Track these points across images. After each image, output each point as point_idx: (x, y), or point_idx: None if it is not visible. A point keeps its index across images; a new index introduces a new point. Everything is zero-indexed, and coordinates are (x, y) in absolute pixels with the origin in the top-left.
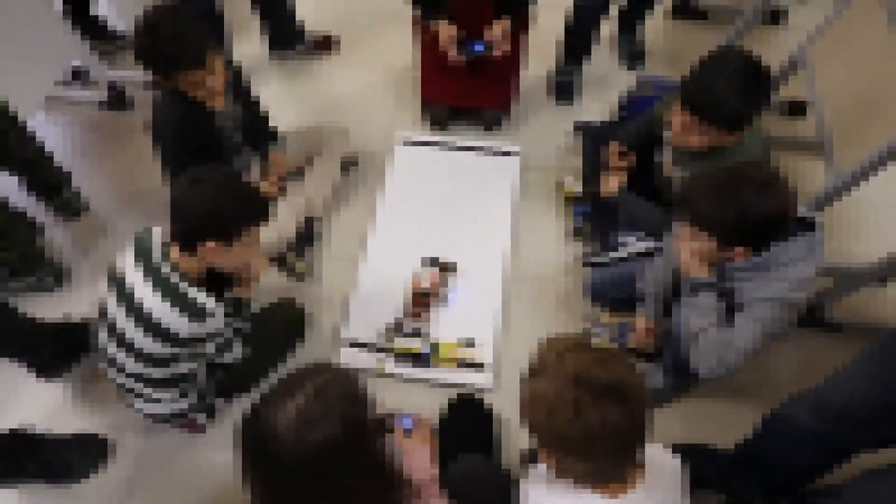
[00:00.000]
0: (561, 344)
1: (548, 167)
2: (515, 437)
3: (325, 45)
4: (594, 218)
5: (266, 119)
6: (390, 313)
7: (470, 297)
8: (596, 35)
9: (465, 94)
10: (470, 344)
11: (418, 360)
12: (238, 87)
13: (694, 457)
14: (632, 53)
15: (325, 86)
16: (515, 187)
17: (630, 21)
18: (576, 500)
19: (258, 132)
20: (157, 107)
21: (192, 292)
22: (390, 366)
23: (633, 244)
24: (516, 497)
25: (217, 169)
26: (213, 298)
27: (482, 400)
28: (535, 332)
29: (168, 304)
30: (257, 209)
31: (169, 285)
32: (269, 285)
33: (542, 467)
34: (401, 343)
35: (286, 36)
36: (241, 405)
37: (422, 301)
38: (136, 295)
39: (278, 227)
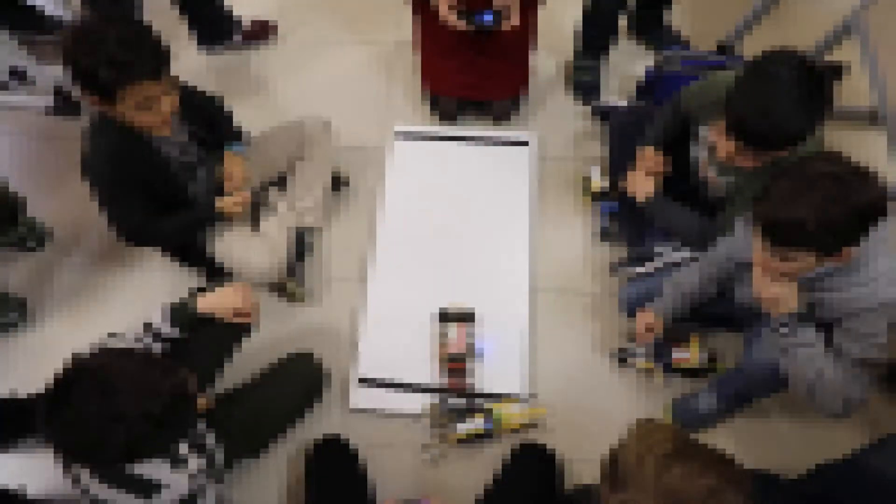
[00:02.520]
0: (653, 445)
1: (566, 157)
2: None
3: (261, 33)
4: (623, 217)
5: (229, 118)
6: (406, 352)
7: (498, 336)
8: (616, 25)
9: (474, 85)
10: (524, 400)
11: (481, 438)
12: (190, 102)
13: (753, 484)
14: (654, 34)
15: (300, 73)
16: (531, 182)
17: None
18: None
19: (219, 134)
20: (87, 139)
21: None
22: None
23: (670, 254)
24: None
25: None
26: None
27: (544, 446)
28: (568, 351)
29: None
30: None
31: None
32: (265, 310)
33: None
34: (461, 429)
35: (217, 30)
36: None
37: (456, 367)
38: None
39: (268, 248)
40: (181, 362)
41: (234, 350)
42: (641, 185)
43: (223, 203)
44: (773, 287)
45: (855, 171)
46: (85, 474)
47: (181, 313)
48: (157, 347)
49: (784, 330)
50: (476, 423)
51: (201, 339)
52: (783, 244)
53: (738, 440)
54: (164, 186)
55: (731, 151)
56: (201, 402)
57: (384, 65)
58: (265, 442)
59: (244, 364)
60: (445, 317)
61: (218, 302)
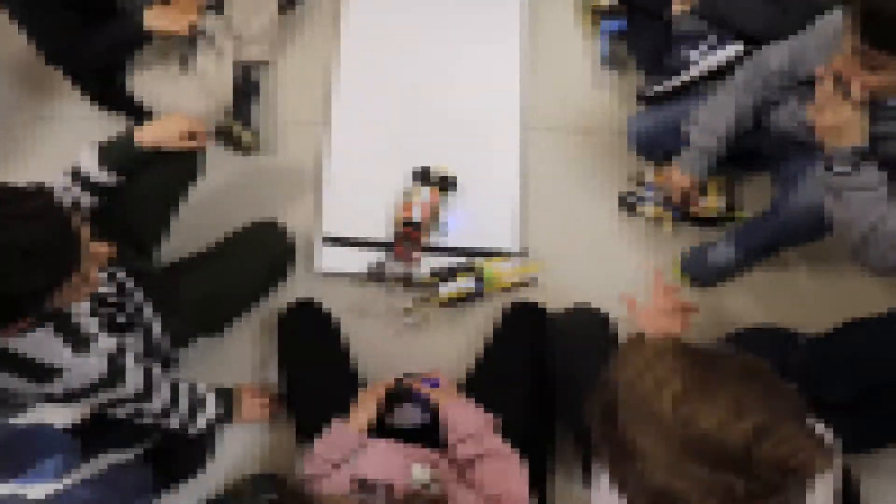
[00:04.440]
0: (664, 380)
1: None
2: None
3: None
4: (631, 37)
5: None
6: (378, 206)
7: (485, 184)
8: None
9: None
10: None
11: (469, 300)
12: None
13: (769, 342)
14: None
15: None
16: (523, 6)
17: None
18: None
19: None
20: None
21: None
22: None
23: (706, 56)
24: None
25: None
26: None
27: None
28: (565, 199)
29: None
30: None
31: None
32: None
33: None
34: (445, 291)
35: None
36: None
37: (411, 235)
38: None
39: (206, 89)
40: (121, 216)
41: (181, 199)
42: None
43: (160, 19)
44: (843, 110)
45: None
46: None
47: (117, 152)
48: (87, 200)
49: (841, 168)
50: (462, 284)
51: (142, 185)
52: (883, 44)
53: (751, 292)
54: None
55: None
56: (101, 248)
57: None
58: (221, 320)
59: (193, 227)
60: (424, 176)
61: (161, 129)
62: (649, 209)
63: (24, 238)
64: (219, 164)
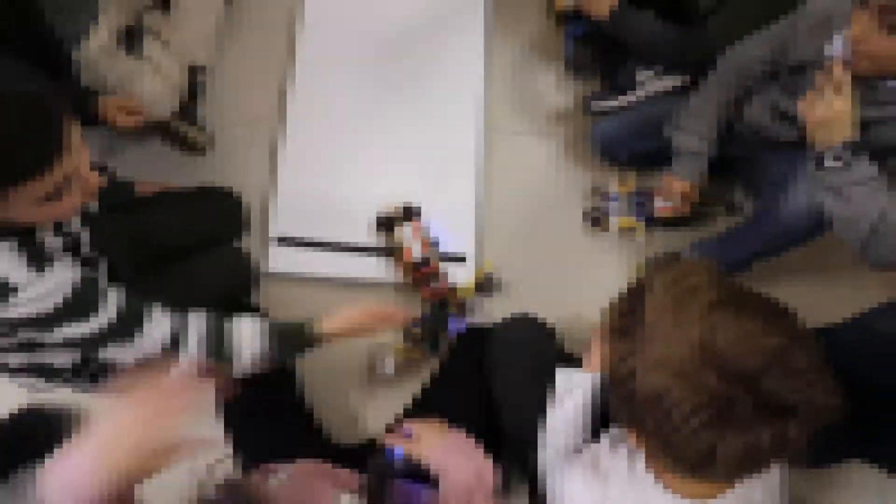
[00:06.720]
0: (695, 289)
1: None
2: None
3: None
4: (595, 42)
5: None
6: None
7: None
8: None
9: None
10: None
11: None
12: None
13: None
14: None
15: None
16: (487, 4)
17: None
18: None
19: None
20: None
21: None
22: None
23: (652, 81)
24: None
25: None
26: None
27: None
28: (528, 208)
29: None
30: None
31: None
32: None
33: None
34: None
35: None
36: None
37: (427, 273)
38: None
39: (159, 76)
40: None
41: None
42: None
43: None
44: (836, 103)
45: None
46: None
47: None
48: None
49: (835, 164)
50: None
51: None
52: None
53: None
54: None
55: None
56: (92, 176)
57: None
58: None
59: None
60: (388, 224)
61: (349, 321)
62: (616, 221)
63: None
64: (169, 168)
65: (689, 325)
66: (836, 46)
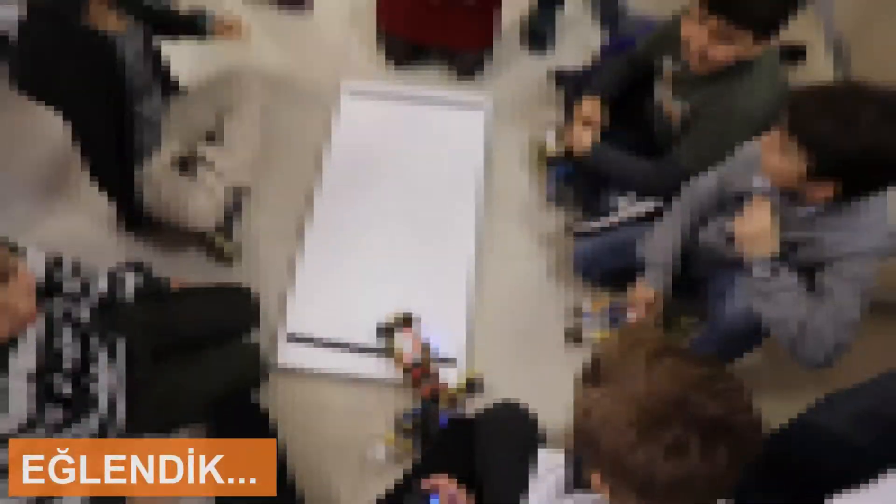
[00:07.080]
0: (643, 341)
1: (522, 121)
2: None
3: None
4: (578, 180)
5: (167, 67)
6: (343, 310)
7: (440, 311)
8: None
9: (434, 26)
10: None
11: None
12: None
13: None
14: (608, 15)
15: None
16: (484, 147)
17: None
18: None
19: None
20: (26, 37)
21: None
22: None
23: (626, 208)
24: None
25: None
26: None
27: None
28: (515, 322)
29: None
30: None
31: None
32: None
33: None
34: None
35: None
36: None
37: (422, 373)
38: None
39: (206, 193)
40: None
41: None
42: (579, 136)
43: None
44: (761, 220)
45: None
46: None
47: None
48: None
49: (763, 273)
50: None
51: None
52: (730, 16)
53: None
54: (119, 95)
55: (704, 43)
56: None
57: (348, 14)
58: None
59: None
60: (388, 330)
61: None
62: (595, 334)
63: None
64: (198, 271)
65: (636, 366)
66: (758, 181)
